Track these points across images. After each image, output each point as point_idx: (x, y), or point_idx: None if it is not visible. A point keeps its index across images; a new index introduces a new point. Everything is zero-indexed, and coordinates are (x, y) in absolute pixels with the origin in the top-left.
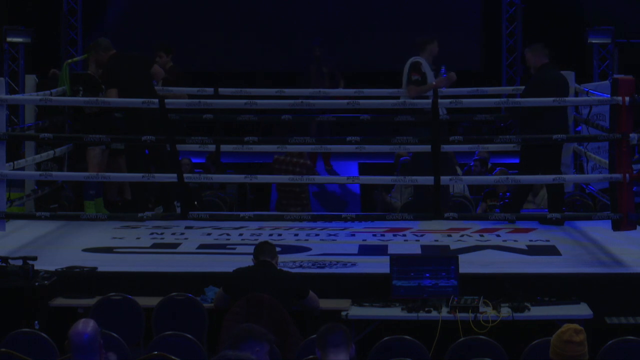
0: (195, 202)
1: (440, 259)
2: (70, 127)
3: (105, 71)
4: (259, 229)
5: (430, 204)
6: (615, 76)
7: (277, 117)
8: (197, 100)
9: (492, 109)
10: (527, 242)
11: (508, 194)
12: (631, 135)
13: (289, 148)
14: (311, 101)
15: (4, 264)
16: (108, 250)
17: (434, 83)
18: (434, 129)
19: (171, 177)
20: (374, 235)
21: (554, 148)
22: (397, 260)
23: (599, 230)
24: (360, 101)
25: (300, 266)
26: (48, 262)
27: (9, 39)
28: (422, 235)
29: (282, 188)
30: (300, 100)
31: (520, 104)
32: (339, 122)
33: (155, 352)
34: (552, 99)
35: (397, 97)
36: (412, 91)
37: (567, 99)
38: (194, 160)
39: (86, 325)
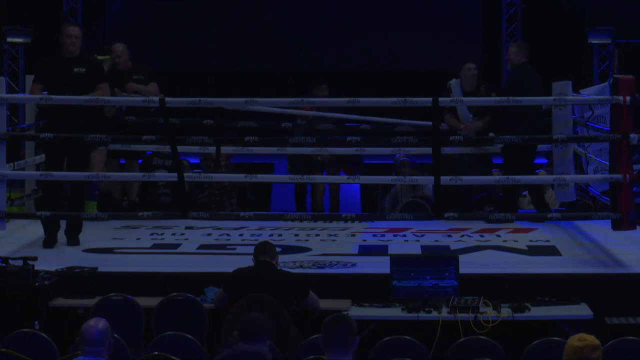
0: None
1: (440, 259)
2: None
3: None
4: (259, 229)
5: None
6: (616, 76)
7: (278, 125)
8: (198, 99)
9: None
10: (528, 242)
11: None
12: (631, 135)
13: (289, 150)
14: (311, 100)
15: (4, 264)
16: (108, 250)
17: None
18: (434, 131)
19: (172, 177)
20: (374, 235)
21: (530, 149)
22: (397, 261)
23: (599, 230)
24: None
25: (301, 266)
26: (48, 262)
27: (9, 39)
28: (422, 236)
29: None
30: (300, 99)
31: (521, 103)
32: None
33: (156, 352)
34: (552, 97)
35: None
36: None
37: (567, 97)
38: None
39: (98, 322)
